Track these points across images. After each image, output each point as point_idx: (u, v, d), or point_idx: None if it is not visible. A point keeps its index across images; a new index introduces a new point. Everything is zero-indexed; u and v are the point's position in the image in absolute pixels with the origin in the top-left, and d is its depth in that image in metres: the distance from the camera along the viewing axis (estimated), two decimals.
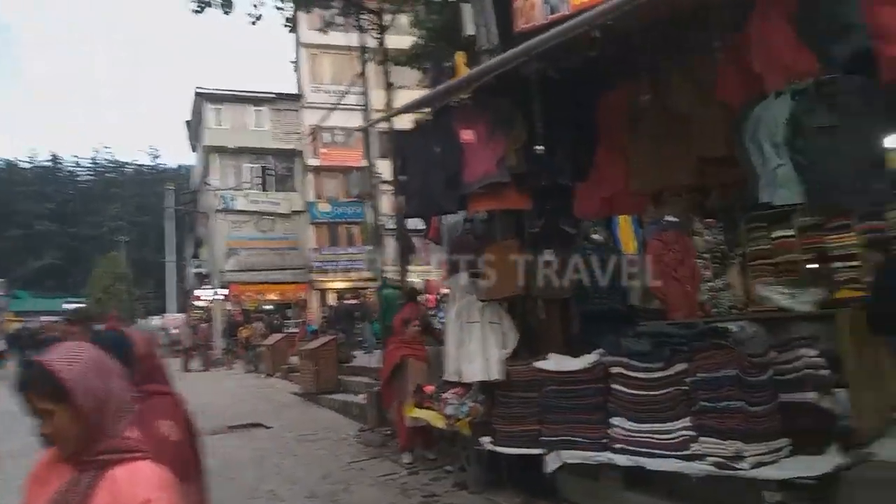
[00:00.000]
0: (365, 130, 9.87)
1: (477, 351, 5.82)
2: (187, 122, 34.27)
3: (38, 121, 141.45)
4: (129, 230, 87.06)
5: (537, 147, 4.43)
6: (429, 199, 5.05)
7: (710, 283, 7.80)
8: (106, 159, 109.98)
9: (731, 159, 4.14)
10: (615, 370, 4.62)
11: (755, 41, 3.61)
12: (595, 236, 6.41)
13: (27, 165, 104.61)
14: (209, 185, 25.39)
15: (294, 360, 15.73)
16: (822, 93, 3.08)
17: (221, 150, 28.56)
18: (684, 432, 4.19)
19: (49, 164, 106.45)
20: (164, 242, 52.27)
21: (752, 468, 3.91)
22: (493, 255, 5.85)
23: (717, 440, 4.00)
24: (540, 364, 5.23)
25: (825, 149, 3.05)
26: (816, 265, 7.84)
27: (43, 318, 30.99)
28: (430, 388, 6.50)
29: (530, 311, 6.08)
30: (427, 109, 5.46)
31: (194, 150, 38.38)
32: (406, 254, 9.09)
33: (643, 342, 4.50)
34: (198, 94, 28.56)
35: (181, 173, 65.76)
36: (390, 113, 7.26)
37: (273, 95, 29.37)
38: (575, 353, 5.22)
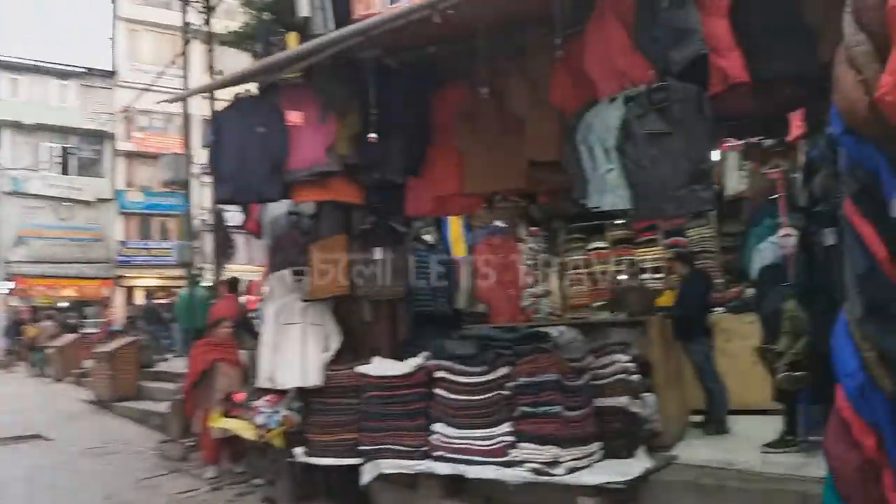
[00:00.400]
0: (184, 104, 8.87)
1: (295, 354, 5.38)
2: None
3: None
4: None
5: (371, 135, 4.13)
6: (247, 184, 4.54)
7: (531, 289, 8.01)
8: None
9: (560, 166, 4.16)
10: (438, 374, 4.45)
11: (590, 45, 3.62)
12: (426, 237, 6.25)
13: None
14: None
15: (89, 363, 13.99)
16: (653, 99, 3.11)
17: (16, 126, 24.91)
18: (504, 438, 4.13)
19: None
20: None
21: (568, 473, 3.92)
22: (318, 252, 5.46)
23: (536, 446, 3.97)
24: (362, 368, 4.93)
25: (653, 155, 3.08)
26: (627, 276, 8.39)
27: None
28: (240, 396, 5.92)
29: (356, 312, 5.75)
30: (252, 85, 4.94)
31: None
32: (223, 249, 8.32)
33: (467, 346, 4.38)
34: None
35: None
36: (211, 85, 6.52)
37: (83, 70, 26.22)
38: (401, 358, 5.00)
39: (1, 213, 24.65)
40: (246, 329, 7.44)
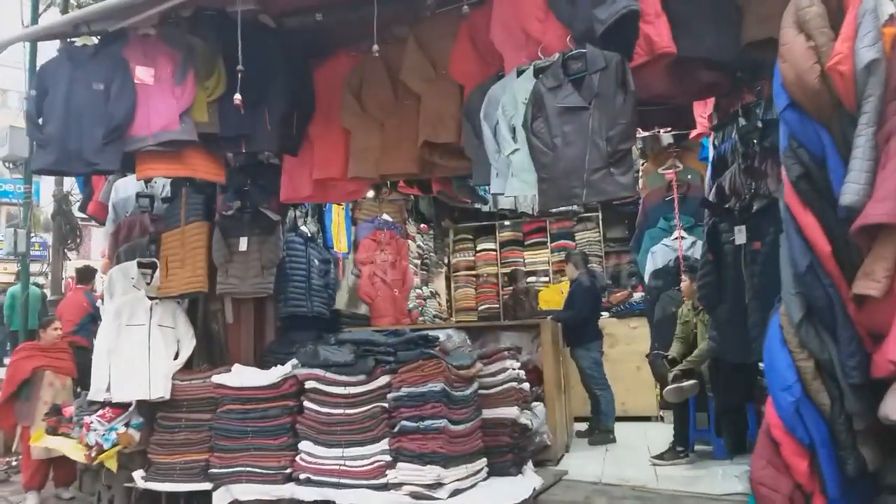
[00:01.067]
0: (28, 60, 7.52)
1: (138, 361, 4.55)
2: None
3: None
4: None
5: (236, 98, 3.45)
6: (76, 151, 3.65)
7: (418, 290, 7.52)
8: None
9: (459, 149, 3.69)
10: (310, 385, 3.83)
11: (498, 9, 3.16)
12: (303, 227, 5.56)
13: None
14: None
15: None
16: (568, 69, 2.69)
17: None
18: (381, 457, 3.58)
19: None
20: None
21: (450, 496, 3.45)
22: (172, 241, 4.67)
23: (416, 466, 3.46)
24: (218, 378, 4.20)
25: (566, 133, 2.65)
26: (516, 278, 8.12)
27: None
28: (69, 410, 4.95)
29: (216, 312, 4.98)
30: (91, 34, 4.04)
31: None
32: (66, 238, 7.17)
33: (344, 351, 3.78)
34: None
35: None
36: (32, 33, 5.24)
37: None
38: (266, 366, 4.32)
39: None
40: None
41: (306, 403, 3.83)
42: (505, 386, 4.17)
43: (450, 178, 4.73)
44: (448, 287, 9.21)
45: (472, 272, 9.41)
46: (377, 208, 6.71)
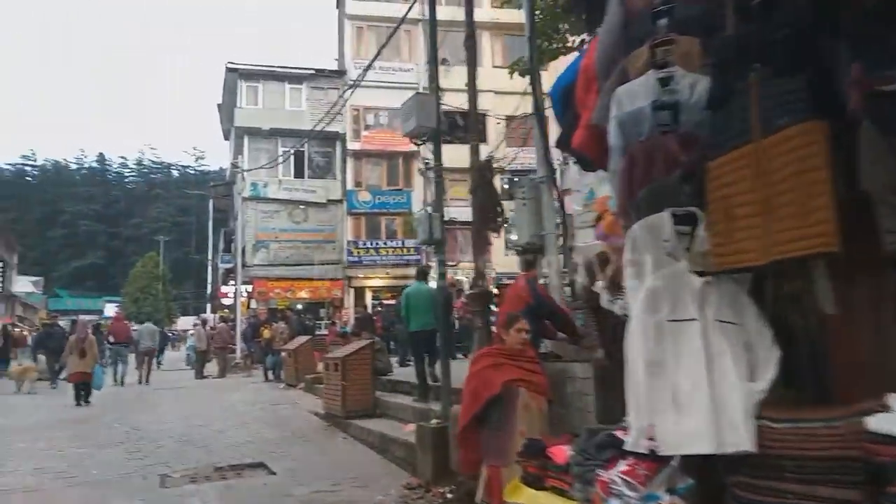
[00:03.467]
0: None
1: (694, 384, 2.55)
2: (219, 106, 31.69)
3: (85, 119, 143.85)
4: (170, 230, 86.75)
5: None
6: None
7: None
8: (151, 160, 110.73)
9: None
10: None
11: None
12: None
13: (74, 167, 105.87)
14: (238, 166, 22.34)
15: (321, 368, 12.66)
16: None
17: (254, 133, 25.74)
18: None
19: (96, 165, 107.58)
20: (205, 242, 50.49)
21: None
22: (735, 169, 2.59)
23: None
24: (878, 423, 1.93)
25: None
26: None
27: (81, 317, 29.64)
28: (561, 451, 3.18)
29: (798, 296, 2.74)
30: None
31: (227, 137, 35.85)
32: (487, 217, 5.82)
33: None
34: (230, 71, 25.71)
35: (223, 175, 64.67)
36: None
37: (312, 72, 26.44)
38: None
39: (244, 219, 25.51)
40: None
41: None
42: None
43: None
44: None
45: None
46: None
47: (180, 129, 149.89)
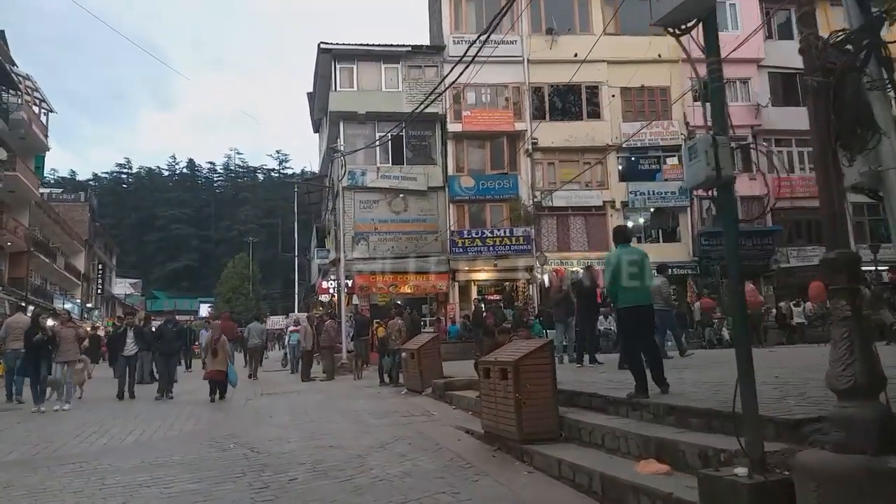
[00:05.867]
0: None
1: None
2: (309, 95, 30.45)
3: (176, 126, 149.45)
4: (258, 232, 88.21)
5: None
6: None
7: None
8: (238, 164, 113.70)
9: None
10: None
11: None
12: None
13: (167, 173, 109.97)
14: (338, 150, 20.71)
15: (451, 374, 10.61)
16: None
17: (349, 117, 24.16)
18: None
19: (186, 171, 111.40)
20: (291, 243, 50.17)
21: None
22: None
23: None
24: None
25: None
26: None
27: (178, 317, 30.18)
28: None
29: None
30: None
31: (317, 129, 34.69)
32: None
33: None
34: (322, 52, 24.22)
35: (306, 176, 64.56)
36: None
37: (409, 49, 24.60)
38: None
39: (341, 211, 23.98)
40: None
41: None
42: None
43: None
44: None
45: None
46: None
47: (265, 133, 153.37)
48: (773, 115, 25.45)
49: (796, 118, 25.74)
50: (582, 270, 13.05)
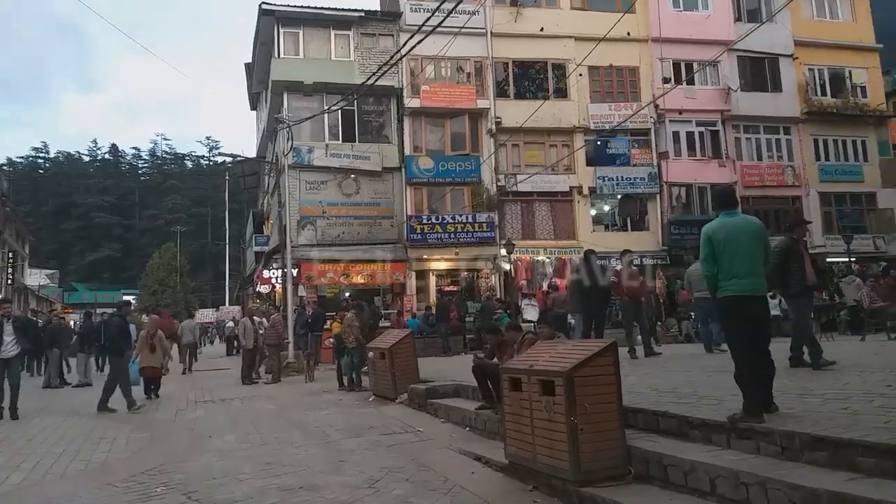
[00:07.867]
0: None
1: None
2: (247, 66, 27.68)
3: (97, 109, 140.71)
4: (187, 221, 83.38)
5: None
6: None
7: None
8: (165, 151, 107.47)
9: None
10: None
11: None
12: None
13: (87, 158, 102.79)
14: (282, 121, 18.22)
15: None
16: None
17: (294, 88, 21.72)
18: None
19: (109, 156, 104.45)
20: (222, 232, 46.69)
21: None
22: None
23: None
24: None
25: None
26: None
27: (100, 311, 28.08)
28: None
29: None
30: None
31: (254, 106, 31.86)
32: None
33: None
34: (265, 14, 21.63)
35: (239, 159, 60.74)
36: None
37: (361, 14, 22.32)
38: None
39: (285, 192, 21.50)
40: None
41: None
42: None
43: None
44: None
45: None
46: None
47: (195, 119, 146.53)
48: (742, 102, 24.54)
49: (764, 104, 25.00)
50: (579, 261, 11.29)
